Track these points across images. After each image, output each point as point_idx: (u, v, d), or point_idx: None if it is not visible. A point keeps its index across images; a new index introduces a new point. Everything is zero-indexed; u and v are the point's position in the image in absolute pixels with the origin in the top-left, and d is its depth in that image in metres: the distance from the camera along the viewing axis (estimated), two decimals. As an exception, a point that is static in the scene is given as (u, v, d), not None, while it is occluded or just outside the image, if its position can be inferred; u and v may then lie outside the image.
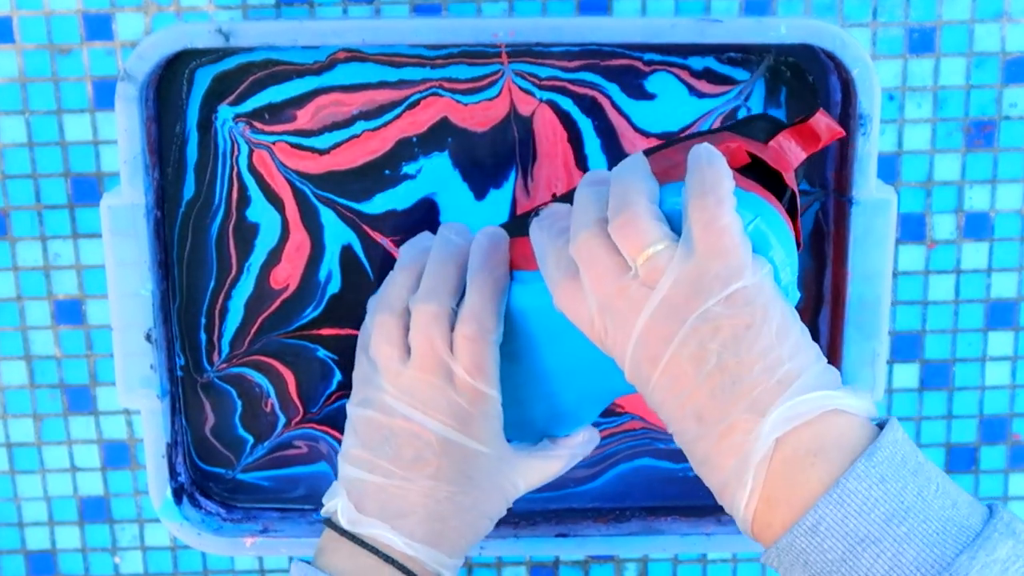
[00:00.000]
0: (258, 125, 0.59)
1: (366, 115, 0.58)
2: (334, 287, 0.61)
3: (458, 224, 0.55)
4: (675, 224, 0.45)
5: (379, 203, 0.59)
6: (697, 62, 0.58)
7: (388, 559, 0.50)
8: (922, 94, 0.63)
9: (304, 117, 0.59)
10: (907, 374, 0.68)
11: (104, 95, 0.62)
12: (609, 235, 0.45)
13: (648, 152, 0.51)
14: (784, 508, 0.42)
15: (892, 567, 0.40)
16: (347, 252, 0.60)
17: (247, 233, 0.60)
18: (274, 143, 0.59)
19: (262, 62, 0.58)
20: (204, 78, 0.58)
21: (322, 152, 0.59)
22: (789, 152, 0.50)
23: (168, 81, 0.58)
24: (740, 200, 0.45)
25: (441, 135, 0.59)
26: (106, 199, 0.57)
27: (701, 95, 0.58)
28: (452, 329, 0.50)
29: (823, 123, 0.50)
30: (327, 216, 0.60)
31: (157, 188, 0.58)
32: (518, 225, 0.53)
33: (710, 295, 0.43)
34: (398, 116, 0.58)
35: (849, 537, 0.40)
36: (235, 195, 0.59)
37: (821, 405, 0.42)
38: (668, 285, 0.43)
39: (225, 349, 0.62)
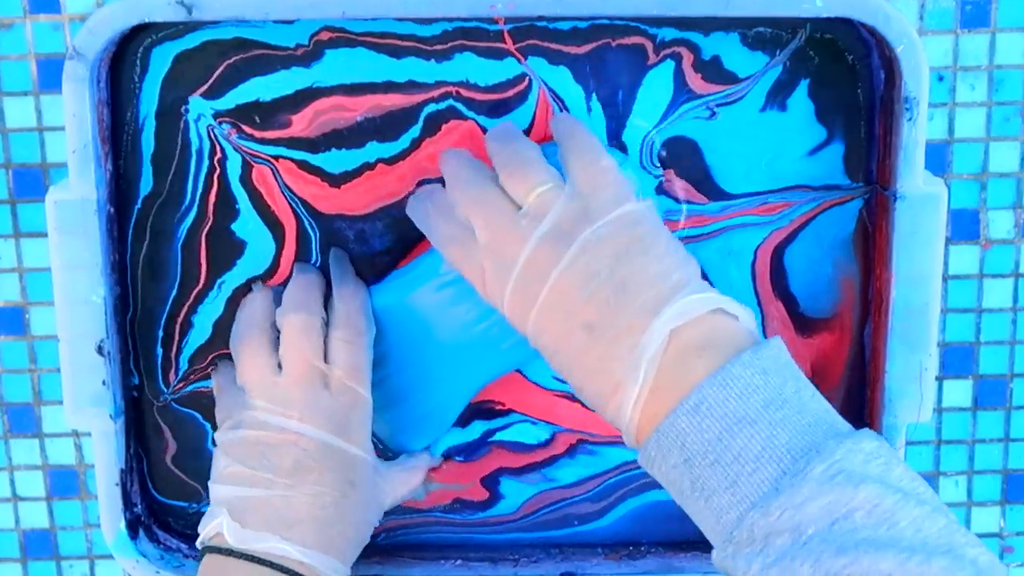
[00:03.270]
0: (247, 129, 0.58)
1: (374, 125, 0.58)
2: None
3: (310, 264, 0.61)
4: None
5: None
6: (717, 40, 0.57)
7: (284, 569, 0.54)
8: (976, 74, 0.63)
9: (301, 123, 0.58)
10: (959, 391, 0.67)
11: (50, 75, 0.62)
12: (498, 185, 0.52)
13: None
14: (671, 395, 0.48)
15: (765, 448, 0.46)
16: None
17: (229, 248, 0.60)
18: (276, 158, 0.58)
19: (232, 41, 0.57)
20: (164, 57, 0.57)
21: (332, 181, 0.59)
22: None
23: (122, 60, 0.57)
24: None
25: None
26: (52, 193, 0.56)
27: (690, 96, 0.58)
28: (322, 338, 0.57)
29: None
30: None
31: (111, 181, 0.58)
32: None
33: (599, 217, 0.50)
34: (417, 145, 0.58)
35: (728, 417, 0.46)
36: (212, 199, 0.59)
37: (711, 304, 0.49)
38: (558, 213, 0.51)
39: (183, 367, 0.61)
